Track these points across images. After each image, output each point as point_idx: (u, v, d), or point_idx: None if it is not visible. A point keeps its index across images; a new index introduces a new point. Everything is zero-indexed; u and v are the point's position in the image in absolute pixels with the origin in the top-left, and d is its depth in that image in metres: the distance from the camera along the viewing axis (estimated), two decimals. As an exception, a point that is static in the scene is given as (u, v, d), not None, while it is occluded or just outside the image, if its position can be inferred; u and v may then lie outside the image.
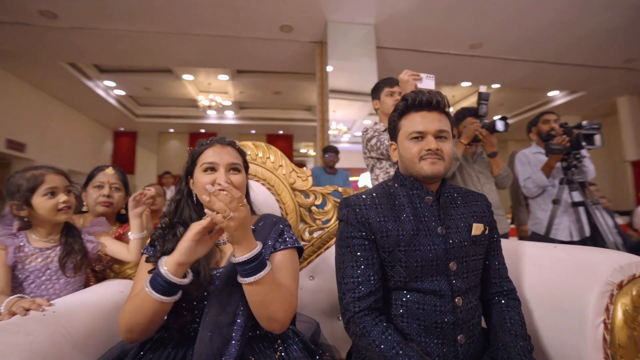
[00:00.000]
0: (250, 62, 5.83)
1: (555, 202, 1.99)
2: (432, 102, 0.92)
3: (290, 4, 4.20)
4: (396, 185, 0.96)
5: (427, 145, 0.89)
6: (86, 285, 1.21)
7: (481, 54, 5.26)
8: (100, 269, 1.32)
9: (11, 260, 1.02)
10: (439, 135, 0.91)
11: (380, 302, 0.85)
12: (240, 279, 0.76)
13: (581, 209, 2.03)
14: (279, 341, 0.89)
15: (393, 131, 0.98)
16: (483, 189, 2.00)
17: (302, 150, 12.43)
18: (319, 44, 4.97)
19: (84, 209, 1.43)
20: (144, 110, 8.61)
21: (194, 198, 0.94)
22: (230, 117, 8.88)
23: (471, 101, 8.00)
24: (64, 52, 5.33)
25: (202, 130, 9.51)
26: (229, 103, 7.92)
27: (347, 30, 4.57)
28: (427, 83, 1.55)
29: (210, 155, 0.92)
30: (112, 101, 7.39)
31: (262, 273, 0.76)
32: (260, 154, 1.39)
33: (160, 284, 0.74)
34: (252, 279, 0.75)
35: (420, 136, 0.90)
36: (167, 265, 0.75)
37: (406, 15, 4.36)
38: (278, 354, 0.86)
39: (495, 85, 6.98)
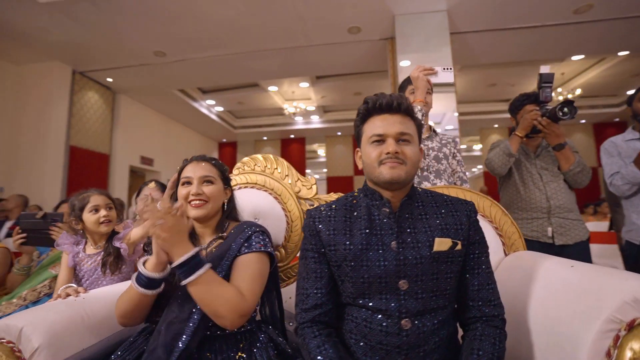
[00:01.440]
0: (326, 67, 6.00)
1: (655, 203, 1.53)
2: (392, 105, 0.86)
3: (354, 6, 4.18)
4: (361, 195, 0.92)
5: (387, 149, 0.83)
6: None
7: (591, 18, 4.31)
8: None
9: (71, 263, 1.33)
10: (400, 139, 0.84)
11: (328, 316, 0.84)
12: (181, 282, 0.84)
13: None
14: (244, 342, 0.94)
15: (357, 137, 0.94)
16: (547, 188, 1.67)
17: (392, 148, 12.10)
18: (390, 40, 4.82)
19: (137, 217, 1.73)
20: (241, 122, 9.64)
21: None
22: (316, 122, 9.24)
23: (586, 77, 6.61)
24: (174, 81, 6.40)
25: (292, 136, 10.14)
26: (312, 108, 8.28)
27: (417, 21, 4.30)
28: (444, 77, 1.39)
29: (188, 170, 1.06)
30: (214, 117, 8.50)
31: (196, 275, 0.82)
32: (269, 165, 1.46)
33: (142, 280, 0.89)
34: (187, 280, 0.82)
35: (380, 139, 0.85)
36: (146, 264, 0.89)
37: (484, -10, 3.89)
38: (239, 354, 0.91)
39: (623, 53, 5.63)
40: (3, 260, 1.74)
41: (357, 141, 0.96)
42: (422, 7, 4.20)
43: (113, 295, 1.15)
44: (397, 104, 0.85)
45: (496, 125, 9.09)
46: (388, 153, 0.82)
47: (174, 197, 1.12)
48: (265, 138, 10.41)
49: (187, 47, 5.10)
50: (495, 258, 1.12)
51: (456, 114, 4.12)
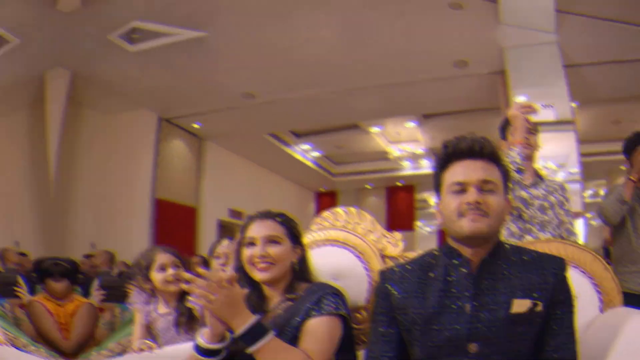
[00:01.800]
0: (432, 105, 6.18)
1: None
2: (474, 149, 0.92)
3: (458, 38, 4.44)
4: (440, 254, 0.98)
5: (467, 198, 0.88)
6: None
7: None
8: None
9: (144, 321, 1.62)
10: (484, 187, 0.89)
11: None
12: (245, 350, 0.96)
13: None
14: None
15: (436, 186, 1.01)
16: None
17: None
18: (500, 74, 4.87)
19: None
20: (340, 168, 10.18)
21: (244, 270, 1.21)
22: (426, 166, 9.19)
23: None
24: (264, 125, 7.19)
25: (399, 183, 10.23)
26: (422, 151, 8.33)
27: (527, 54, 4.47)
28: (545, 114, 1.42)
29: (251, 229, 1.18)
30: (310, 163, 9.20)
31: (259, 344, 0.94)
32: (351, 220, 1.60)
33: (201, 349, 1.03)
34: (250, 349, 0.94)
35: (461, 188, 0.90)
36: (205, 334, 1.03)
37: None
38: None
39: None
40: (89, 314, 2.18)
41: (436, 191, 1.03)
42: (530, 39, 4.34)
43: (185, 352, 1.38)
44: (479, 148, 0.90)
45: (624, 167, 7.77)
46: (469, 203, 0.87)
47: (238, 257, 1.30)
48: (368, 186, 10.71)
49: (277, 87, 5.70)
50: (589, 315, 1.14)
51: (578, 155, 4.17)
